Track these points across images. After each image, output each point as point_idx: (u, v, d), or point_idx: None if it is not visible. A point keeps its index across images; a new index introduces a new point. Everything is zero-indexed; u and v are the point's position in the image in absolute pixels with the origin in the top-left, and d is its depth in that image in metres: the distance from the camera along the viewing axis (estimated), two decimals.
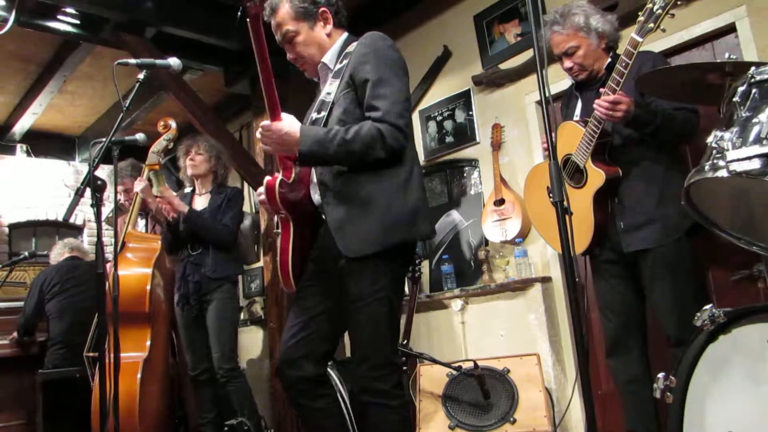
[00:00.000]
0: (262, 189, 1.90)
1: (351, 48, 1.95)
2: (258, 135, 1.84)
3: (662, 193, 2.22)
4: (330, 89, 1.93)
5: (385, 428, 1.78)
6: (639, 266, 2.28)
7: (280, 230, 1.94)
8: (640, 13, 2.01)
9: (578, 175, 2.31)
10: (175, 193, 3.48)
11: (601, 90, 2.17)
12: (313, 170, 1.93)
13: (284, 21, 1.95)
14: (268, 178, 1.88)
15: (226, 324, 3.41)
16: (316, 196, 1.93)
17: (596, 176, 2.24)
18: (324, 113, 1.90)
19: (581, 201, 2.27)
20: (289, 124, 1.78)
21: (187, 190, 3.71)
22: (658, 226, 2.21)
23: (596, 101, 2.15)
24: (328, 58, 1.99)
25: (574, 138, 2.29)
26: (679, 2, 1.85)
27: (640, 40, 1.99)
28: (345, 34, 2.04)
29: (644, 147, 2.25)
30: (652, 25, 1.93)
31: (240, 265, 3.86)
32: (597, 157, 2.26)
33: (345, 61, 1.92)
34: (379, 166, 1.81)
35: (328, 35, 2.00)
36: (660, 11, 1.91)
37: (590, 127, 2.22)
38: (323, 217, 1.89)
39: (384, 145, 1.77)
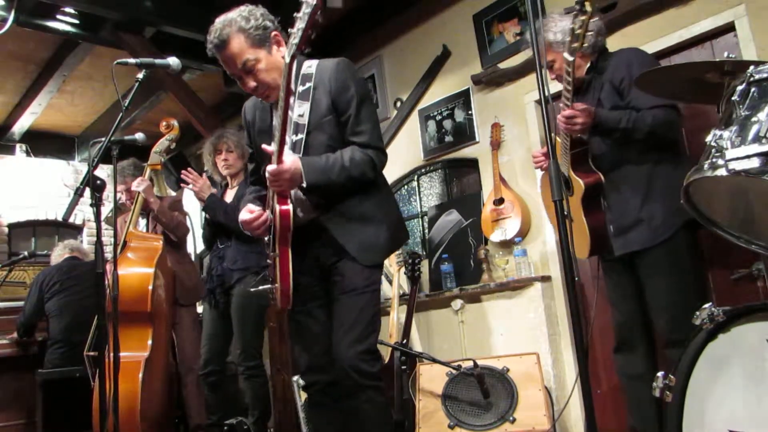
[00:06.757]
0: (255, 214, 1.98)
1: (308, 69, 2.02)
2: (267, 178, 1.89)
3: (647, 193, 2.22)
4: (300, 111, 2.00)
5: (375, 408, 1.93)
6: (636, 266, 2.28)
7: (276, 253, 1.94)
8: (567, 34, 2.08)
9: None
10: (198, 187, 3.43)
11: (560, 105, 2.21)
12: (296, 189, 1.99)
13: (242, 51, 1.98)
14: (281, 207, 1.88)
15: (249, 318, 3.33)
16: (300, 213, 1.99)
17: (577, 185, 2.31)
18: (301, 135, 1.99)
19: (575, 209, 2.32)
20: (291, 162, 1.87)
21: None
22: (644, 227, 2.21)
23: (557, 116, 2.20)
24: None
25: (558, 149, 2.34)
26: (592, 20, 1.93)
27: (570, 59, 2.06)
28: None
29: (627, 149, 2.25)
30: (576, 44, 1.98)
31: (262, 256, 3.82)
32: (579, 165, 2.32)
33: (308, 83, 2.00)
34: (366, 185, 2.00)
35: (283, 57, 2.01)
36: (580, 31, 1.96)
37: (562, 139, 2.27)
38: (324, 229, 1.98)
39: (374, 167, 1.99)
